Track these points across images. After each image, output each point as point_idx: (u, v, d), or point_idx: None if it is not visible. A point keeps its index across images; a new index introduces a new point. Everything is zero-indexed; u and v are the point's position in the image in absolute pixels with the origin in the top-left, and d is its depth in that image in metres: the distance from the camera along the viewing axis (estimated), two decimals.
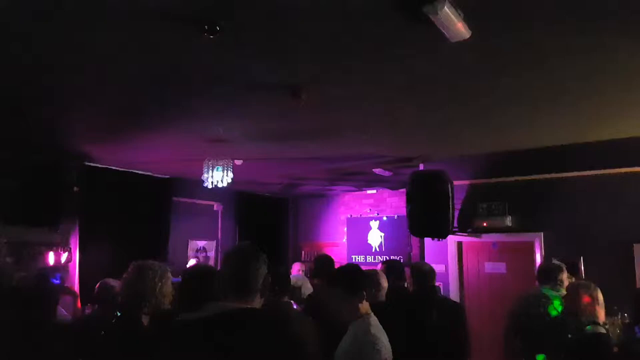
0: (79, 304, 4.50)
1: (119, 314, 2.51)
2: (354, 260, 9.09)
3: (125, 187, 6.85)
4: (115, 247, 6.60)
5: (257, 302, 1.87)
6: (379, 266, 4.89)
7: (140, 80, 3.49)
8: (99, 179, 6.51)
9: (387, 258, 8.73)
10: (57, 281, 4.25)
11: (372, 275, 3.38)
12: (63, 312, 4.28)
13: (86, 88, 3.64)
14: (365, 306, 2.48)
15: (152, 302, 2.47)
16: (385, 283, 3.44)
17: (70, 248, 6.18)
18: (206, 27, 2.42)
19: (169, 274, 2.68)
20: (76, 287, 5.95)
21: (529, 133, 5.04)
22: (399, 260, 5.19)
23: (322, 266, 4.21)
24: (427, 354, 3.17)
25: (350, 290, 2.46)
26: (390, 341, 2.43)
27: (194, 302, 2.26)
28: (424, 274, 3.72)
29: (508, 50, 2.96)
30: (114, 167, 6.68)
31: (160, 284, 2.54)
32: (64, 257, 6.06)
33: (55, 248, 5.96)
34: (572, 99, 3.93)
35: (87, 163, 6.29)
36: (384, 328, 2.47)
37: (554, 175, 5.54)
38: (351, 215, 9.62)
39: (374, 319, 2.46)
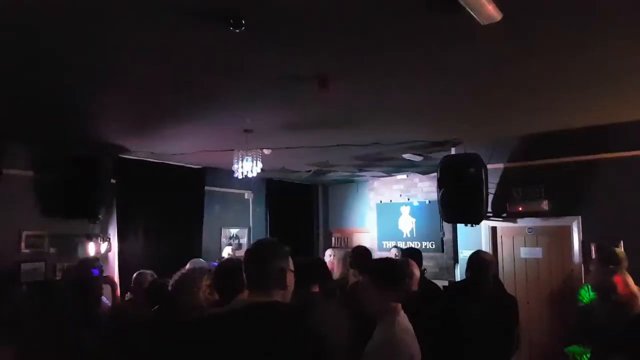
0: (117, 293, 4.64)
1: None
2: (384, 247, 9.08)
3: (160, 177, 7.00)
4: (151, 236, 6.80)
5: (279, 296, 1.90)
6: (392, 251, 4.90)
7: (171, 75, 3.55)
8: (134, 170, 6.68)
9: (419, 244, 8.72)
10: (97, 271, 4.38)
11: (404, 265, 3.37)
12: (105, 301, 4.43)
13: (120, 84, 3.73)
14: (395, 300, 2.44)
15: (191, 297, 2.56)
16: (417, 272, 3.42)
17: (109, 238, 6.39)
18: (232, 21, 2.42)
19: (206, 274, 2.78)
20: (116, 276, 6.16)
21: (566, 114, 4.88)
22: (417, 249, 5.16)
23: (359, 257, 4.25)
24: (464, 347, 3.13)
25: (380, 283, 2.45)
26: (423, 333, 2.43)
27: (223, 296, 2.35)
28: (485, 265, 3.59)
29: (542, 32, 2.87)
30: (148, 159, 6.83)
31: (197, 276, 2.63)
32: (103, 246, 6.27)
33: (94, 238, 6.17)
34: (613, 78, 3.78)
35: (122, 156, 6.45)
36: (416, 319, 2.47)
37: (592, 156, 5.35)
38: (381, 201, 9.58)
39: (402, 317, 2.43)
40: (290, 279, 1.96)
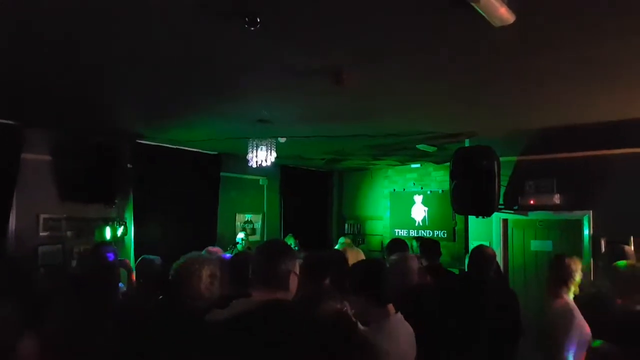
0: (133, 277, 4.73)
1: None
2: (396, 234, 9.12)
3: (176, 163, 7.09)
4: (167, 221, 6.91)
5: (281, 296, 1.97)
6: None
7: (189, 68, 3.61)
8: (151, 156, 6.76)
9: (431, 233, 8.75)
10: (112, 255, 4.47)
11: (399, 263, 3.40)
12: (121, 286, 4.54)
13: (140, 74, 3.80)
14: (378, 306, 2.34)
15: (191, 287, 2.61)
16: (415, 266, 3.46)
17: (126, 222, 6.51)
18: (247, 19, 2.46)
19: (207, 262, 2.81)
20: (132, 260, 6.30)
21: (580, 108, 4.83)
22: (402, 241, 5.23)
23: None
24: (467, 339, 3.18)
25: (359, 289, 2.37)
26: (427, 326, 2.46)
27: (233, 288, 2.42)
28: (488, 260, 3.63)
29: (556, 28, 2.85)
30: (164, 145, 6.91)
31: (197, 266, 2.68)
32: (120, 231, 6.39)
33: (111, 222, 6.30)
34: (628, 74, 3.75)
35: (139, 141, 6.55)
36: (420, 312, 2.48)
37: (605, 152, 5.33)
38: (394, 190, 9.60)
39: (392, 322, 2.31)
40: (294, 281, 2.03)
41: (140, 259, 4.12)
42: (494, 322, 3.37)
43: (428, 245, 4.83)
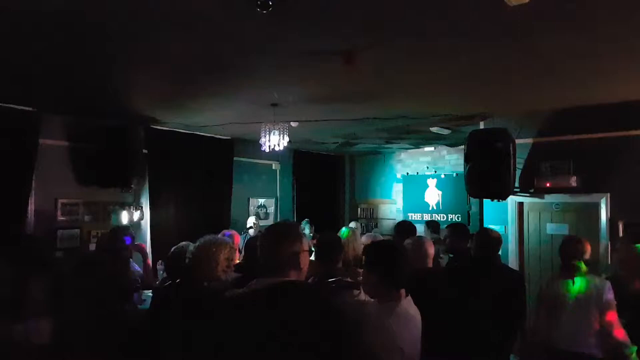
0: (148, 261, 4.81)
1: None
2: (409, 218, 9.11)
3: (190, 148, 7.14)
4: (182, 205, 6.99)
5: (294, 276, 1.99)
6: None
7: (202, 53, 3.62)
8: (165, 141, 6.82)
9: (445, 217, 8.72)
10: (129, 239, 4.54)
11: (416, 245, 3.40)
12: (135, 267, 4.61)
13: (155, 60, 3.83)
14: (393, 286, 2.33)
15: (209, 269, 2.65)
16: (431, 250, 3.45)
17: (142, 206, 6.60)
18: (259, 2, 2.45)
19: (223, 245, 2.84)
20: (148, 244, 6.39)
21: (598, 87, 4.75)
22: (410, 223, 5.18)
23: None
24: (472, 324, 3.17)
25: (378, 269, 2.36)
26: (432, 310, 2.45)
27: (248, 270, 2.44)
28: (489, 242, 3.62)
29: (573, 6, 2.80)
30: (178, 130, 6.96)
31: (214, 250, 2.71)
32: (136, 215, 6.49)
33: (127, 207, 6.39)
34: None
35: (153, 126, 6.59)
36: (429, 295, 2.48)
37: (623, 132, 5.22)
38: (408, 173, 9.57)
39: (404, 304, 2.31)
40: (305, 259, 2.04)
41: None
42: (500, 305, 3.37)
43: (455, 230, 4.72)
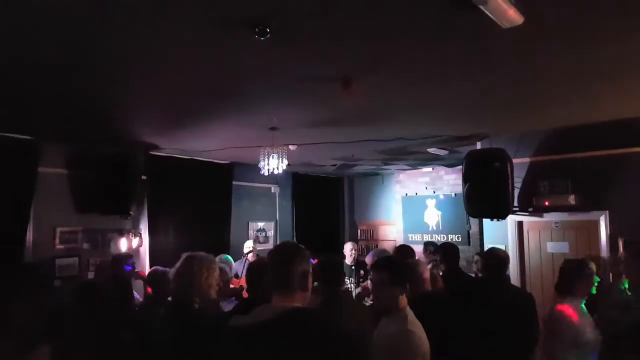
0: (149, 289, 4.77)
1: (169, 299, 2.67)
2: (409, 240, 9.09)
3: (189, 173, 7.15)
4: (181, 230, 6.96)
5: (300, 298, 1.96)
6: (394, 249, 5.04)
7: (201, 79, 3.66)
8: (164, 167, 6.84)
9: (445, 237, 8.70)
10: (130, 267, 4.52)
11: (414, 266, 3.40)
12: (137, 296, 4.58)
13: (153, 86, 3.86)
14: (404, 300, 2.52)
15: (200, 291, 2.62)
16: (427, 274, 3.44)
17: (141, 233, 6.57)
18: (257, 30, 2.49)
19: (215, 265, 2.82)
20: (147, 271, 6.34)
21: (594, 107, 4.79)
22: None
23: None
24: (485, 343, 3.14)
25: (395, 280, 2.52)
26: (440, 333, 2.46)
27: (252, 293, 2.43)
28: (500, 262, 3.61)
29: (566, 28, 2.84)
30: (177, 155, 6.98)
31: (206, 274, 2.69)
32: (135, 242, 6.45)
33: (126, 234, 6.36)
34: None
35: (152, 152, 6.61)
36: (433, 316, 2.51)
37: (620, 150, 5.26)
38: (406, 194, 9.57)
39: (410, 314, 2.50)
40: (310, 280, 2.03)
41: (152, 270, 4.15)
42: (511, 326, 3.33)
43: (447, 250, 4.78)
